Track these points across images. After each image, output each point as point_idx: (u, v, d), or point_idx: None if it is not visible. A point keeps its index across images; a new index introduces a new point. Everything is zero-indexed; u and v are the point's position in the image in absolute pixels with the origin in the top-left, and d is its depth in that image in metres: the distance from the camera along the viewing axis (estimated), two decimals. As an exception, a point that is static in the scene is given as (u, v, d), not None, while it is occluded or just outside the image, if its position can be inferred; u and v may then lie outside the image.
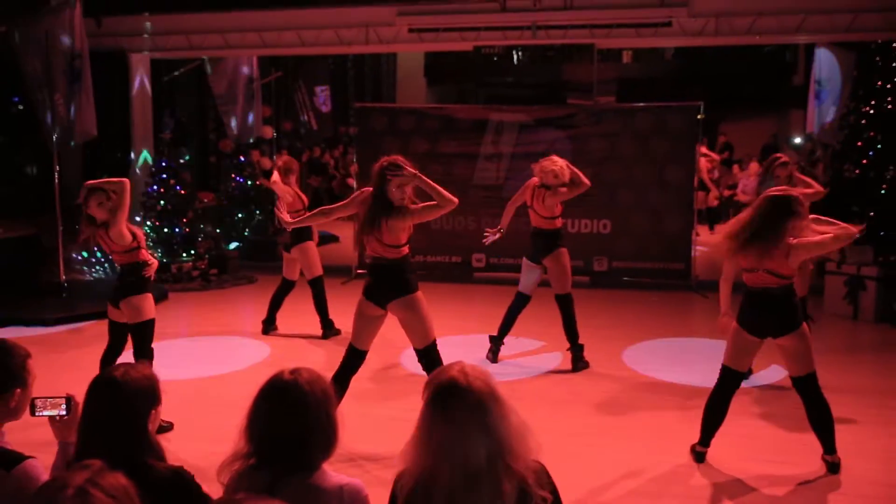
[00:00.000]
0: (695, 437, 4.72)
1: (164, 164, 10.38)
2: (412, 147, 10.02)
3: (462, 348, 6.72)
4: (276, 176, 7.29)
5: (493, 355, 6.57)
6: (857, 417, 5.31)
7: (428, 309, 4.69)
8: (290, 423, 2.16)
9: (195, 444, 4.69)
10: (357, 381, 4.91)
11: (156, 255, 9.97)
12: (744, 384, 5.29)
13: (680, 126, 9.52)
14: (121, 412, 2.26)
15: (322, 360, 6.69)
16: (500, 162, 9.79)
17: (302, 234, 7.24)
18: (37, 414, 2.51)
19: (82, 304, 8.34)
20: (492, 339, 6.61)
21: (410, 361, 6.43)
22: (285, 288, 7.54)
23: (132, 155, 10.79)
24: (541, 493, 2.00)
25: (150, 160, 10.71)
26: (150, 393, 2.35)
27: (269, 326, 7.57)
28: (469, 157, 9.94)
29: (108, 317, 5.26)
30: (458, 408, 1.97)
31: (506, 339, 6.62)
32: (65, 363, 6.43)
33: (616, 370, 6.48)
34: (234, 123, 11.51)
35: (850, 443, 4.83)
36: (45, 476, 2.34)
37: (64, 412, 2.51)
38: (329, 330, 7.45)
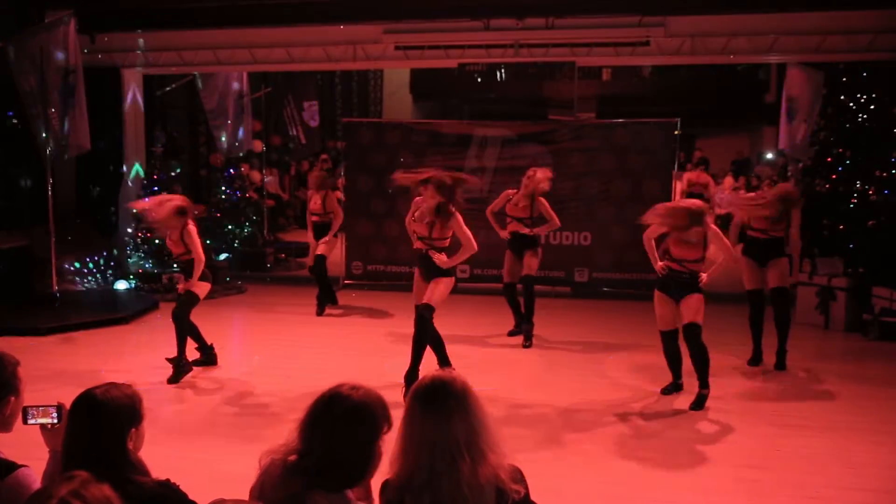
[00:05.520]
0: (674, 441, 5.11)
1: (155, 177, 10.54)
2: (399, 161, 10.22)
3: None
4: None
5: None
6: (823, 424, 5.48)
7: None
8: (350, 441, 2.12)
9: (188, 448, 4.86)
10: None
11: (147, 265, 10.15)
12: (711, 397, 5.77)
13: (657, 141, 9.74)
14: (101, 430, 2.26)
15: (309, 371, 6.78)
16: (483, 175, 9.96)
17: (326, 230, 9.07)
18: (29, 422, 2.53)
19: (74, 314, 8.44)
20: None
21: (397, 371, 6.61)
22: (319, 264, 8.92)
23: (124, 168, 10.93)
24: (514, 487, 2.10)
25: (142, 173, 10.85)
26: (130, 411, 2.34)
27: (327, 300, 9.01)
28: (454, 170, 10.13)
29: None
30: (442, 398, 2.12)
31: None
32: (56, 372, 6.47)
33: (597, 377, 6.61)
34: (224, 137, 11.62)
35: (818, 448, 5.02)
36: (38, 484, 2.34)
37: (55, 420, 2.52)
38: (332, 301, 9.10)
